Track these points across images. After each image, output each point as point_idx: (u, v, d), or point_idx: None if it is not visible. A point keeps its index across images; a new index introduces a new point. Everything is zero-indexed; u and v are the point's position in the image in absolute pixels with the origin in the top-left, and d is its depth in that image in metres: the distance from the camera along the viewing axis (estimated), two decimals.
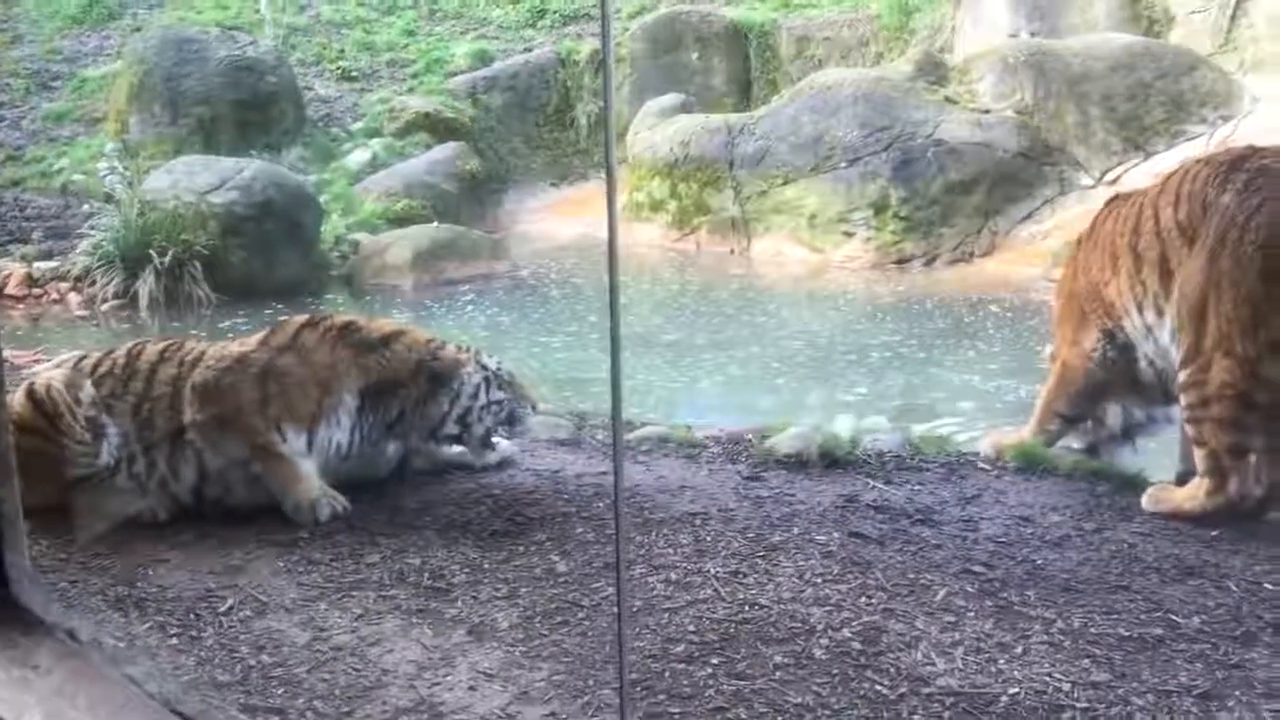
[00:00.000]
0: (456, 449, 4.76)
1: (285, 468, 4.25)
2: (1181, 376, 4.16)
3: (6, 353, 6.73)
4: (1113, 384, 4.75)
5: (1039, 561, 3.81)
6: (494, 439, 4.74)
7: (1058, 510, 4.28)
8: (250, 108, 14.53)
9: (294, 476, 4.25)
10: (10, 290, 10.97)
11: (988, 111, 12.80)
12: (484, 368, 4.62)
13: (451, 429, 4.58)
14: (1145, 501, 4.28)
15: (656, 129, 14.46)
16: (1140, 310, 4.43)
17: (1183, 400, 4.20)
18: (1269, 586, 3.61)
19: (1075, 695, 2.98)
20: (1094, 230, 4.82)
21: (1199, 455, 4.18)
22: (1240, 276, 3.92)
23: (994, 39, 14.27)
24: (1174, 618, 3.40)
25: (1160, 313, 4.32)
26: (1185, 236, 4.16)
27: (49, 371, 4.51)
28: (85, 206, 12.19)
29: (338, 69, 17.30)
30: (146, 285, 10.61)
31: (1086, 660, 3.16)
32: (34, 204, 12.80)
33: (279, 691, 3.08)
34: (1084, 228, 5.04)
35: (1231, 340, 3.96)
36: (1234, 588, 3.60)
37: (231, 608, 3.57)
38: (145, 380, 4.38)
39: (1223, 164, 4.18)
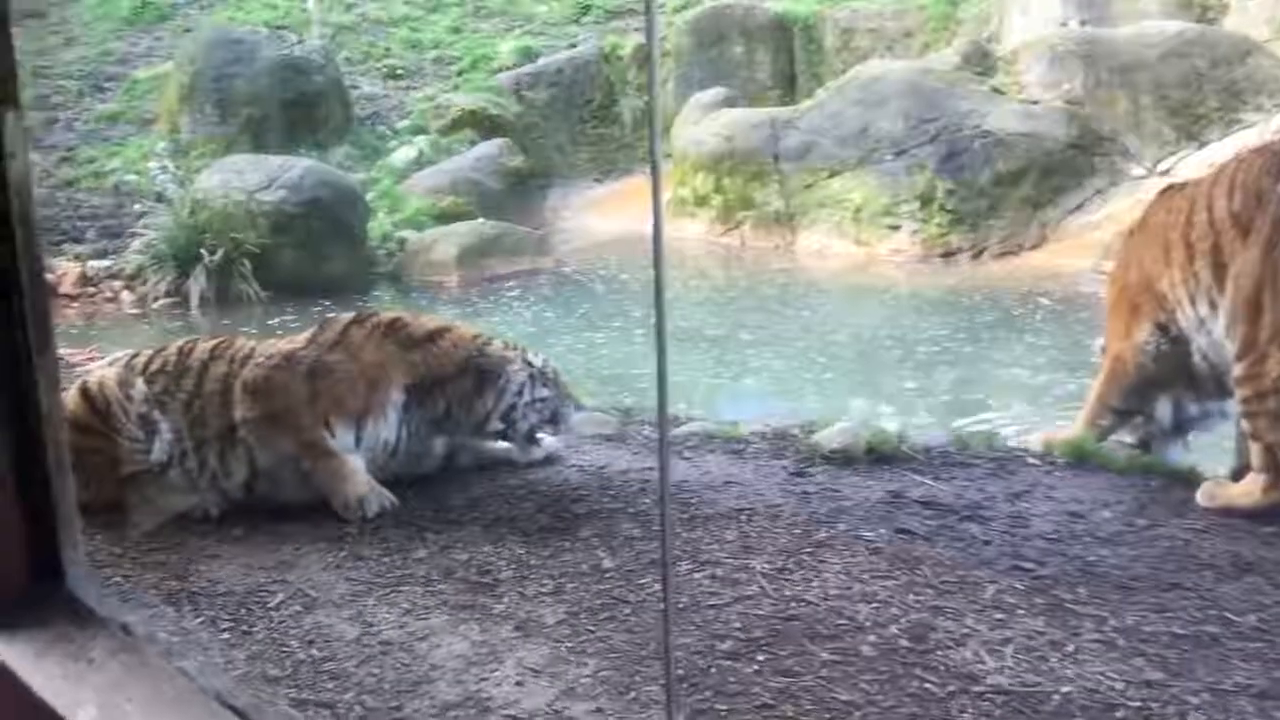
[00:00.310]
0: (501, 445, 4.78)
1: (334, 464, 4.29)
2: (1237, 370, 4.09)
3: (61, 351, 6.85)
4: (1165, 377, 4.68)
5: (1090, 558, 3.76)
6: (539, 435, 4.75)
7: (1109, 506, 4.22)
8: (298, 106, 14.65)
9: (342, 473, 4.29)
10: (65, 289, 11.14)
11: (1036, 102, 12.65)
12: (529, 365, 4.63)
13: (496, 425, 4.60)
14: (1200, 497, 4.21)
15: (701, 123, 14.42)
16: (1193, 303, 4.35)
17: (1238, 394, 4.12)
18: None
19: (1129, 694, 2.94)
20: (1146, 221, 4.74)
21: (1254, 450, 4.10)
22: None
23: (1043, 28, 14.08)
24: (1229, 615, 3.34)
25: (1213, 305, 4.24)
26: (1239, 227, 4.08)
27: (101, 370, 4.58)
28: (137, 206, 12.36)
29: (384, 67, 17.41)
30: (197, 283, 10.75)
31: (1140, 659, 3.11)
32: (87, 204, 12.99)
33: (328, 686, 3.11)
34: (1136, 219, 4.96)
35: None
36: None
37: (281, 602, 3.61)
38: (197, 378, 4.44)
39: (1278, 154, 4.10)
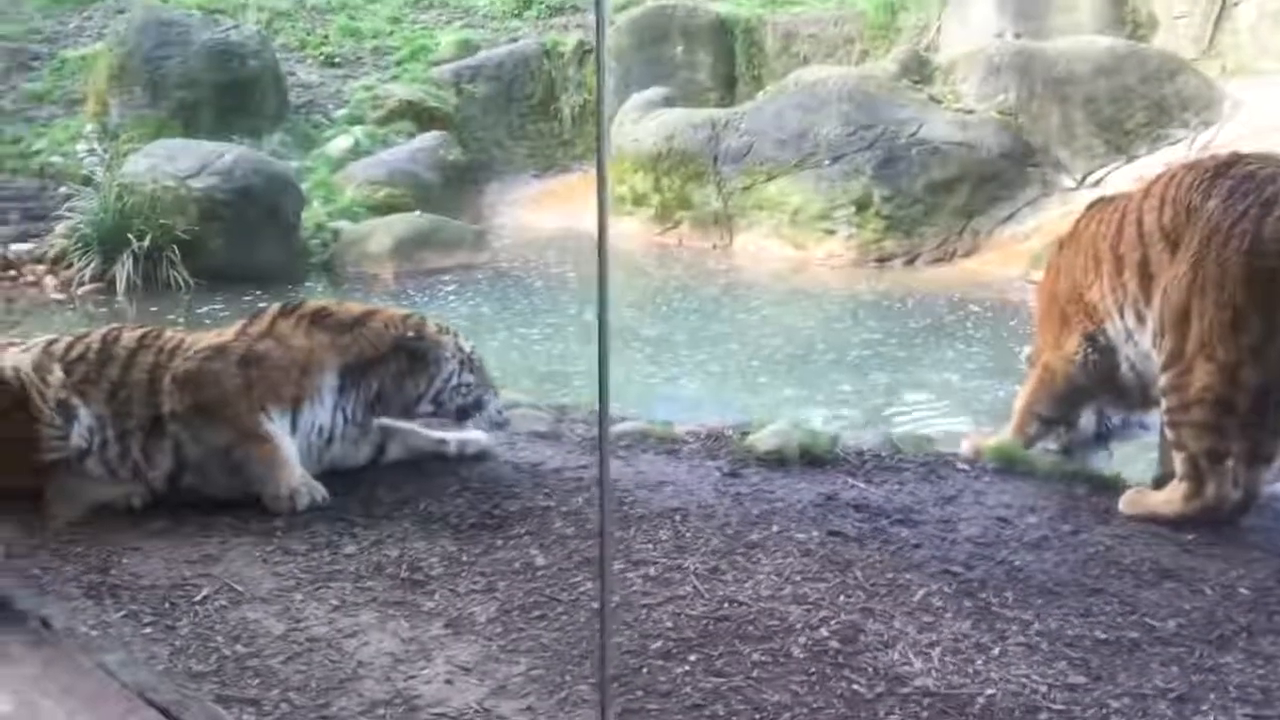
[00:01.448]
0: (433, 435, 4.78)
1: (268, 450, 4.23)
2: (1163, 380, 4.17)
3: None
4: (1093, 387, 4.76)
5: (1016, 563, 3.82)
6: (469, 420, 4.75)
7: (1035, 512, 4.29)
8: (232, 92, 14.39)
9: (278, 461, 4.22)
10: None
11: (972, 112, 12.82)
12: (460, 350, 4.65)
13: (427, 407, 4.63)
14: (1122, 504, 4.29)
15: (640, 122, 14.42)
16: (1122, 313, 4.43)
17: (1163, 404, 4.21)
18: (1244, 591, 3.63)
19: (1051, 697, 2.99)
20: (1076, 233, 4.81)
21: (1178, 459, 4.19)
22: (1224, 282, 3.93)
23: (979, 39, 14.29)
24: (1150, 621, 3.42)
25: (1141, 317, 4.33)
26: (1169, 241, 4.17)
27: (16, 353, 4.46)
28: (63, 189, 12.07)
29: (321, 55, 17.18)
30: (124, 269, 10.52)
31: (1063, 662, 3.17)
32: (11, 185, 12.65)
33: (254, 682, 3.05)
34: (1066, 230, 5.04)
35: (1213, 345, 3.97)
36: (1209, 591, 3.62)
37: (206, 597, 3.54)
38: (122, 366, 4.35)
39: (1208, 170, 4.18)
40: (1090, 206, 4.88)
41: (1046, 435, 5.01)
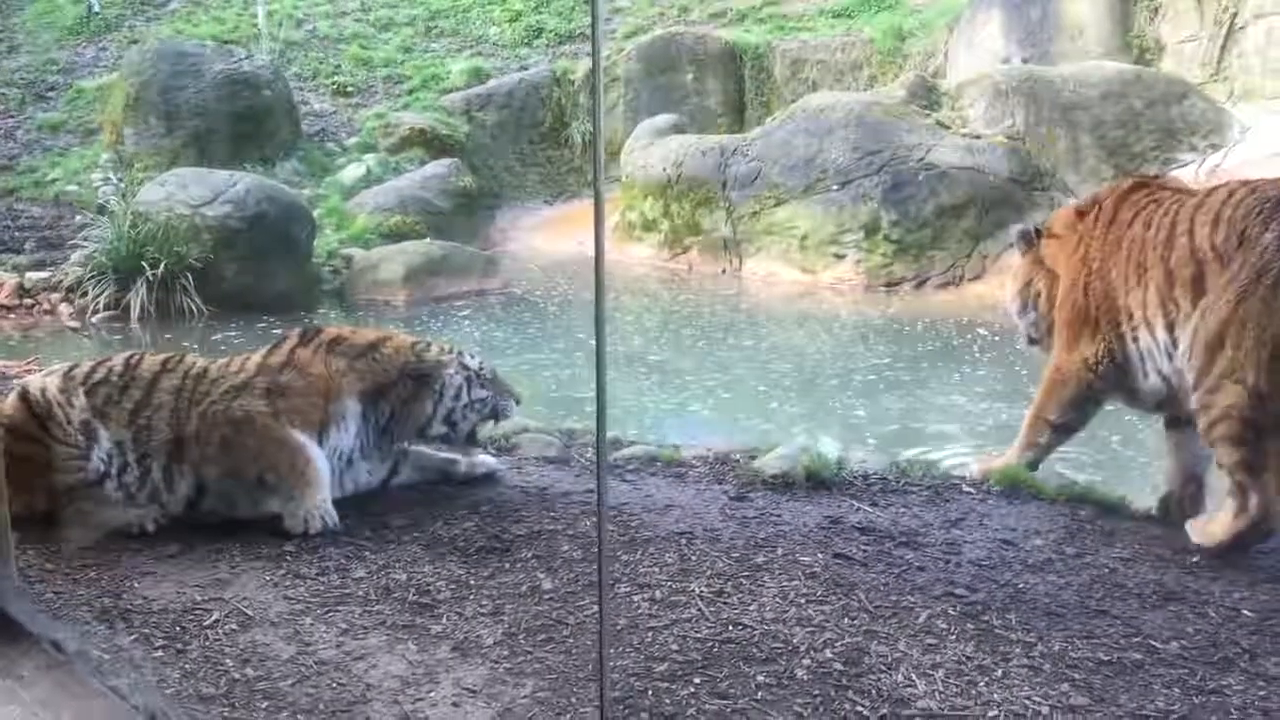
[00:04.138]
0: (441, 455, 4.86)
1: (304, 462, 4.28)
2: (1194, 398, 4.10)
3: None
4: (1108, 393, 4.65)
5: (1021, 585, 3.84)
6: (478, 437, 4.83)
7: (1040, 534, 4.30)
8: (245, 121, 14.58)
9: (309, 477, 4.28)
10: (1, 300, 10.98)
11: (979, 136, 12.89)
12: (465, 367, 4.70)
13: (439, 428, 4.67)
14: (1195, 536, 4.17)
15: (650, 149, 14.53)
16: (1171, 329, 4.27)
17: (1198, 421, 4.12)
18: (1247, 613, 3.63)
19: (1053, 718, 3.00)
20: (1114, 222, 4.54)
21: (1223, 477, 4.10)
22: (1266, 322, 3.86)
23: (986, 65, 14.37)
24: (1153, 643, 3.42)
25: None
26: (1220, 261, 4.05)
27: (43, 377, 4.54)
28: (78, 217, 12.22)
29: (333, 84, 17.36)
30: (138, 297, 10.64)
31: (1066, 684, 3.18)
32: (27, 214, 12.82)
33: (263, 706, 3.08)
34: (1101, 209, 4.68)
35: (1245, 371, 3.90)
36: (1213, 614, 3.63)
37: (217, 621, 3.58)
38: (145, 389, 4.41)
39: (1269, 199, 4.04)
40: (1132, 190, 4.62)
41: (1058, 445, 4.89)
